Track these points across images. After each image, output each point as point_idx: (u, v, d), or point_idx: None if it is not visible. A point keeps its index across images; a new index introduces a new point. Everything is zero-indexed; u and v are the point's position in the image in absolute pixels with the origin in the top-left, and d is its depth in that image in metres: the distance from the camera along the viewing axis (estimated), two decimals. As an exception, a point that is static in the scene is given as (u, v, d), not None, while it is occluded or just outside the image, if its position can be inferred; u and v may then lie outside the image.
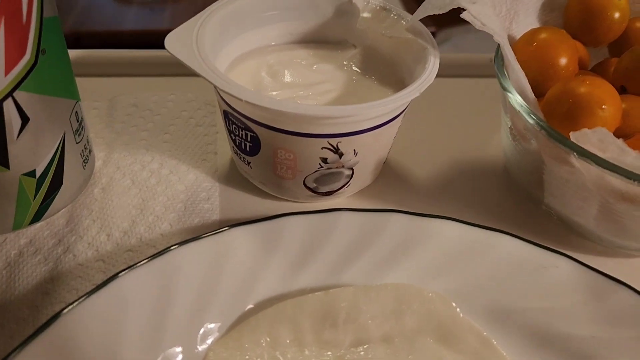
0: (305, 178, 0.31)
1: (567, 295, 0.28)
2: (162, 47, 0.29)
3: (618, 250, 0.33)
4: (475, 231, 0.30)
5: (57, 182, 0.30)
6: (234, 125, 0.31)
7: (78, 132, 0.30)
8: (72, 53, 0.30)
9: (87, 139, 0.32)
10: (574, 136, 0.28)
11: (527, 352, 0.27)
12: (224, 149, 0.37)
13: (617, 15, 0.34)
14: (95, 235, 0.31)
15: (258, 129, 0.29)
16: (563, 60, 0.32)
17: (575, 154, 0.27)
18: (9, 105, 0.25)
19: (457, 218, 0.30)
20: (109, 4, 1.04)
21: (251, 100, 0.27)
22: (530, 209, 0.35)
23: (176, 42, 0.30)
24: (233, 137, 0.32)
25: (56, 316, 0.23)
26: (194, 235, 0.29)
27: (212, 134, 0.38)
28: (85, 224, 0.31)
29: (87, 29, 0.98)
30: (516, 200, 0.36)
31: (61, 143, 0.29)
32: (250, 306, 0.27)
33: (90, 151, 0.33)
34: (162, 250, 0.26)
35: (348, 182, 0.32)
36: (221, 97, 0.30)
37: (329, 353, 0.26)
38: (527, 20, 0.36)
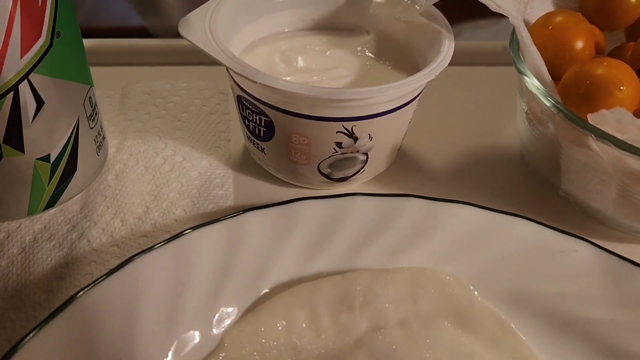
0: (319, 163, 0.31)
1: (586, 279, 0.28)
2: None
3: (637, 235, 0.32)
4: (492, 215, 0.29)
5: (71, 167, 0.30)
6: (247, 111, 0.31)
7: (92, 118, 0.30)
8: (86, 42, 0.30)
9: (100, 125, 0.32)
10: (591, 118, 0.27)
11: (545, 336, 0.27)
12: (237, 136, 0.37)
13: (633, -2, 0.34)
14: (110, 221, 0.31)
15: (272, 113, 0.29)
16: (579, 44, 0.32)
17: (593, 135, 0.27)
18: (24, 88, 0.25)
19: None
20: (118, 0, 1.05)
21: (266, 82, 0.27)
22: (548, 195, 0.35)
23: (189, 27, 0.29)
24: (247, 123, 0.32)
25: (72, 298, 0.23)
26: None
27: (225, 122, 0.38)
28: (99, 210, 0.31)
29: (96, 25, 0.98)
30: (533, 187, 0.36)
31: (75, 128, 0.29)
32: (266, 290, 0.27)
33: (103, 137, 0.32)
34: (177, 234, 0.26)
35: (362, 167, 0.32)
36: (235, 82, 0.30)
37: (346, 338, 0.26)
38: (542, 5, 0.36)
